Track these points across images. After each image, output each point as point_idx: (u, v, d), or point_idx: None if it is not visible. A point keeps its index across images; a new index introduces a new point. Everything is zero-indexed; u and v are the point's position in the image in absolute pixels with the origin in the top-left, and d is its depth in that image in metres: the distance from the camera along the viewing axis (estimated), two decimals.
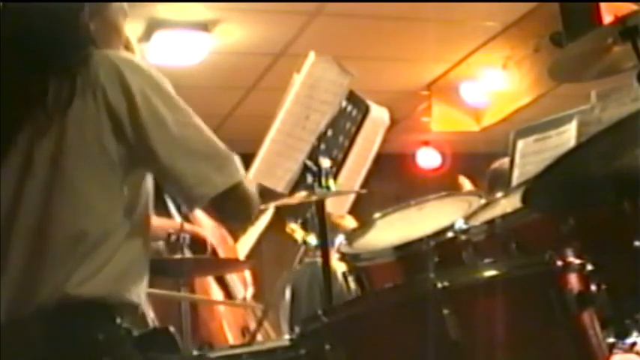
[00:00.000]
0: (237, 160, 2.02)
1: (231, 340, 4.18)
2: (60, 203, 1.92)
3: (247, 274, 4.44)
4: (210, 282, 4.29)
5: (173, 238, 3.67)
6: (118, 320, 1.91)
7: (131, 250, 1.96)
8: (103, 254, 1.91)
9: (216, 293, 4.31)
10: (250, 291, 4.44)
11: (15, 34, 2.06)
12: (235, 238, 4.44)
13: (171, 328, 1.99)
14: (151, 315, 3.48)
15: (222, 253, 4.06)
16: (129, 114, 1.93)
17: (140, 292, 1.98)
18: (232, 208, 2.04)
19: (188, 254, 3.69)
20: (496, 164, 4.11)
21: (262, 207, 3.04)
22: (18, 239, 1.93)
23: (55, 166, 1.93)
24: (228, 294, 4.33)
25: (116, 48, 2.14)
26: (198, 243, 3.80)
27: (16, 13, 2.07)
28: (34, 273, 1.90)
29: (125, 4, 2.19)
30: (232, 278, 4.32)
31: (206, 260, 3.89)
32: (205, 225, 3.90)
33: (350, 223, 3.95)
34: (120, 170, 1.94)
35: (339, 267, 2.96)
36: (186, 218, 3.82)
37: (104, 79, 1.94)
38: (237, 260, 4.21)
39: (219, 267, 4.07)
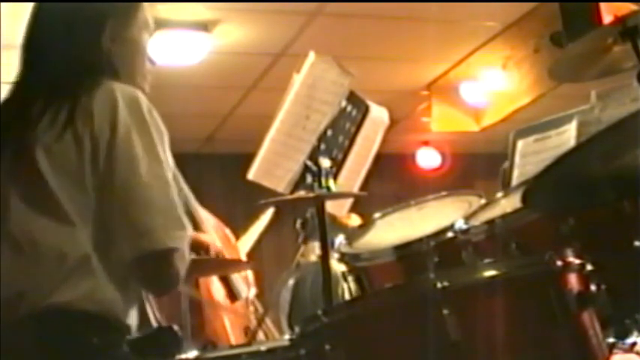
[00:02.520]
0: (188, 232, 1.96)
1: (233, 340, 4.18)
2: (43, 220, 1.92)
3: (250, 274, 4.44)
4: (214, 282, 4.29)
5: None
6: (113, 324, 1.91)
7: (120, 272, 1.93)
8: (89, 273, 1.89)
9: (219, 293, 4.31)
10: (253, 291, 4.44)
11: (34, 54, 2.06)
12: (236, 238, 4.44)
13: (176, 327, 1.99)
14: (157, 315, 3.47)
15: (225, 254, 4.05)
16: (107, 144, 1.91)
17: (132, 315, 1.97)
18: (157, 272, 1.95)
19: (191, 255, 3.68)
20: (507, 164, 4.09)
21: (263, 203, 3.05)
22: (5, 243, 1.93)
23: (42, 181, 1.92)
24: (232, 294, 4.33)
25: (141, 66, 2.12)
26: (201, 248, 3.78)
27: (38, 34, 2.07)
28: (22, 278, 1.90)
29: (150, 20, 2.15)
30: (236, 278, 4.32)
31: (208, 260, 3.89)
32: (208, 224, 3.90)
33: (356, 222, 3.95)
34: (93, 198, 1.92)
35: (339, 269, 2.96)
36: (191, 218, 3.81)
37: (96, 105, 1.93)
38: (239, 260, 4.21)
39: (222, 267, 4.06)
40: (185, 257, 1.96)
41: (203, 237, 3.76)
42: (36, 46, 2.07)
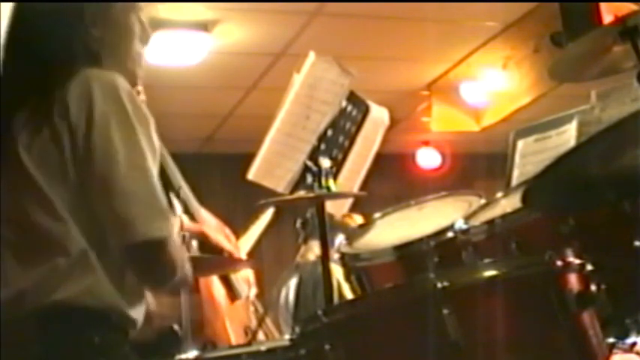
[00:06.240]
0: (172, 220, 1.93)
1: (234, 340, 4.18)
2: (41, 218, 1.90)
3: (250, 273, 4.44)
4: (214, 281, 4.28)
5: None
6: (115, 323, 1.91)
7: (116, 266, 1.92)
8: (89, 269, 1.88)
9: (219, 293, 4.30)
10: (254, 291, 4.44)
11: (14, 55, 2.02)
12: (236, 238, 4.44)
13: (176, 327, 1.99)
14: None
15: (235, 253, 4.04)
16: (84, 136, 1.87)
17: (138, 309, 1.96)
18: (145, 265, 1.91)
19: (193, 253, 3.68)
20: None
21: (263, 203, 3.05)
22: (5, 243, 1.93)
23: (32, 181, 1.90)
24: (232, 293, 4.33)
25: (128, 47, 2.06)
26: (209, 244, 3.78)
27: (19, 32, 2.03)
28: (24, 275, 1.90)
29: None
30: (236, 277, 4.32)
31: (208, 259, 3.88)
32: (209, 224, 3.90)
33: (357, 221, 3.95)
34: (80, 191, 1.90)
35: (336, 273, 2.96)
36: (192, 218, 3.81)
37: (71, 97, 1.88)
38: (239, 260, 4.20)
39: (222, 266, 4.06)
40: (178, 247, 1.93)
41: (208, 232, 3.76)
42: (16, 46, 2.02)
